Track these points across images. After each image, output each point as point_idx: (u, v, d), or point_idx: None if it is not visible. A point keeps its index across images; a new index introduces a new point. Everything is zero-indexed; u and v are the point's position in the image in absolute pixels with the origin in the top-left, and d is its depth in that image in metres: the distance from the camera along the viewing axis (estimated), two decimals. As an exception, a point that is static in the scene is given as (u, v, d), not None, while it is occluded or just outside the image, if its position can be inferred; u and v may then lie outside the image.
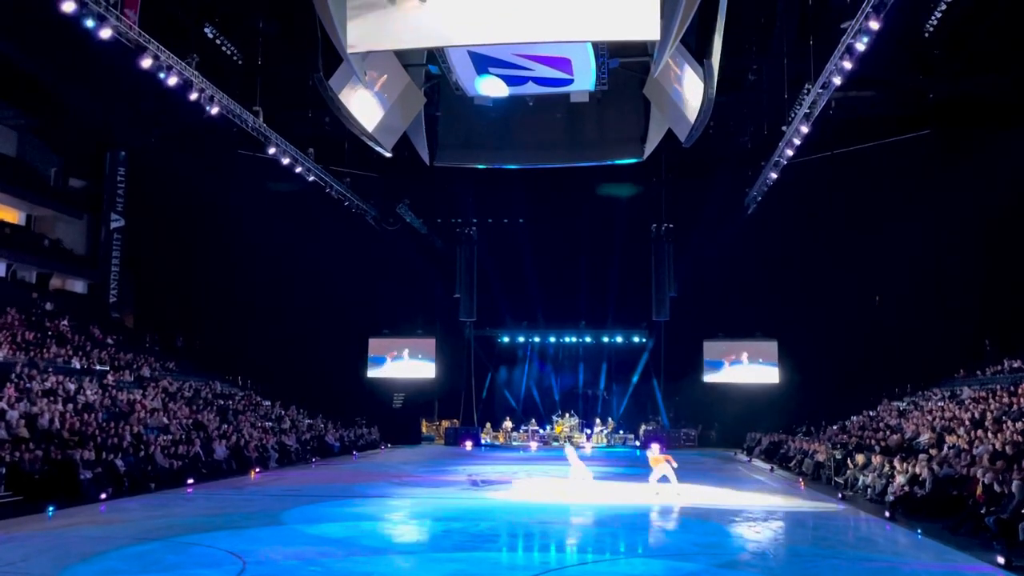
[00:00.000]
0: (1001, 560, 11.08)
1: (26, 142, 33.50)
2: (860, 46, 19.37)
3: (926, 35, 25.21)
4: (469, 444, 35.45)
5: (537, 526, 14.88)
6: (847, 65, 20.27)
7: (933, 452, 18.21)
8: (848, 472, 20.28)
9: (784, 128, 26.21)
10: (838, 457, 21.86)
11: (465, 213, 38.91)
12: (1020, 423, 17.61)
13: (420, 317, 39.38)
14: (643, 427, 36.88)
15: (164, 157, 33.58)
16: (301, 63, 25.64)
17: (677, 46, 21.35)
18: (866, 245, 33.19)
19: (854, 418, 28.51)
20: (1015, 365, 24.96)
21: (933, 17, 24.53)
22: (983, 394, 22.86)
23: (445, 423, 38.70)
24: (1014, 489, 12.92)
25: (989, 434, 17.73)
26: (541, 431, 37.22)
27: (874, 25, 18.56)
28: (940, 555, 12.16)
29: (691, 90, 23.79)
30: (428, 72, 28.01)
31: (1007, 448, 16.06)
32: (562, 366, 40.40)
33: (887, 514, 15.47)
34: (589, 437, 36.57)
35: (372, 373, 39.88)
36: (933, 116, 29.62)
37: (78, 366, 25.70)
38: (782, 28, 24.53)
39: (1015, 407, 19.82)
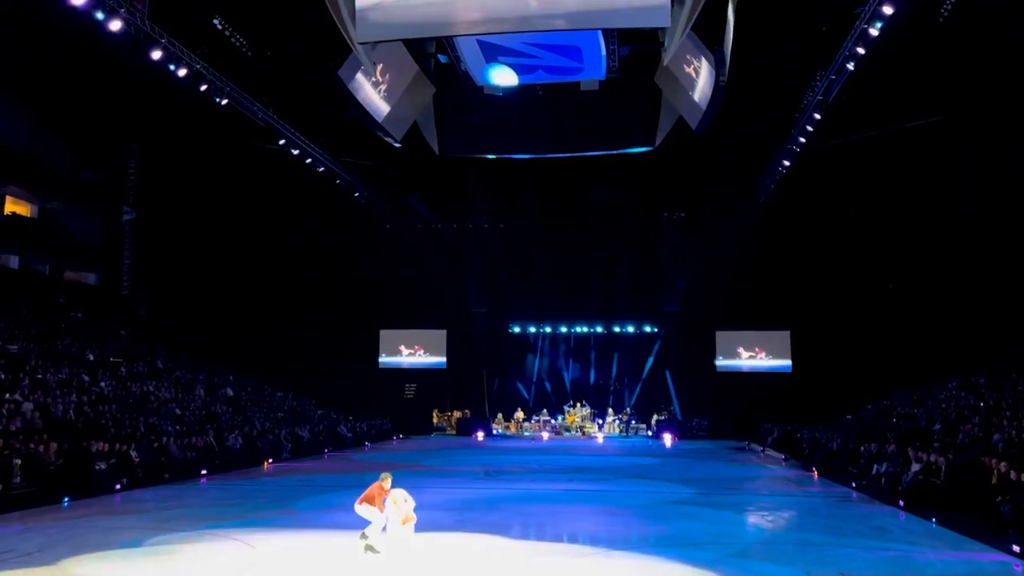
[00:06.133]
0: (1017, 548, 11.00)
1: (37, 136, 33.59)
2: (874, 32, 19.20)
3: (940, 20, 24.93)
4: (481, 435, 35.48)
5: (548, 515, 14.89)
6: (860, 51, 20.11)
7: (948, 440, 18.10)
8: (862, 461, 20.17)
9: (797, 115, 26.06)
10: (851, 446, 21.74)
11: (475, 203, 38.84)
12: (1036, 411, 17.48)
13: (431, 308, 39.35)
14: (655, 417, 36.85)
15: (175, 149, 33.66)
16: (310, 54, 25.63)
17: (688, 33, 21.21)
18: (880, 233, 32.96)
19: (868, 406, 28.37)
20: (1031, 353, 24.75)
21: (948, 1, 24.25)
22: (998, 382, 22.69)
23: (457, 414, 38.75)
24: (1030, 477, 12.82)
25: (1005, 422, 17.59)
26: (553, 421, 37.25)
27: (888, 10, 18.39)
28: (955, 544, 12.09)
29: (703, 78, 23.65)
30: (437, 62, 27.96)
31: (1023, 436, 15.93)
32: (573, 356, 40.36)
33: (901, 503, 15.38)
34: (601, 427, 36.64)
35: (384, 364, 39.99)
36: (947, 102, 29.31)
37: (92, 358, 25.85)
38: (794, 14, 24.33)
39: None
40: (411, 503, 10.56)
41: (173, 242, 35.91)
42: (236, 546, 11.47)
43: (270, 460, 23.72)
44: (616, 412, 37.94)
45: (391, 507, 10.68)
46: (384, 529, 10.89)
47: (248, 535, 12.15)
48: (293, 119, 27.84)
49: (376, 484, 11.18)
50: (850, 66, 20.93)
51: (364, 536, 11.03)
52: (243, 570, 10.08)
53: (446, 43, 25.41)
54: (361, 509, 11.07)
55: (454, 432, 37.76)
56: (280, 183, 33.49)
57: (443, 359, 39.84)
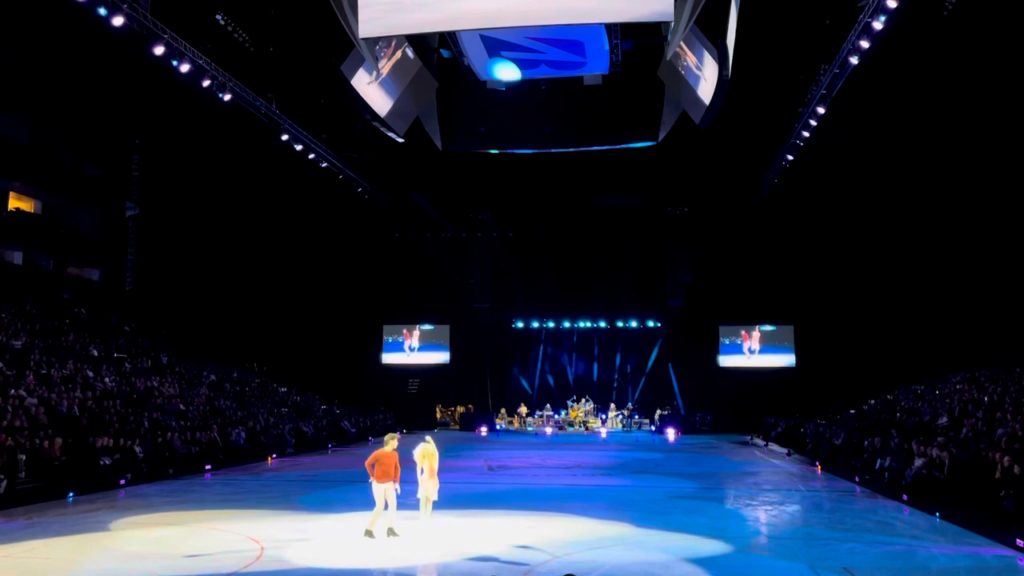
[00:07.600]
0: (1021, 543, 10.99)
1: (40, 132, 33.62)
2: (878, 25, 19.11)
3: (945, 13, 24.80)
4: (484, 430, 35.51)
5: (551, 509, 14.88)
6: (864, 44, 20.02)
7: (951, 435, 18.06)
8: (865, 455, 20.15)
9: (800, 109, 25.96)
10: (855, 440, 21.73)
11: (479, 198, 38.80)
12: (1040, 405, 17.43)
13: (434, 303, 39.36)
14: (659, 412, 36.85)
15: (178, 144, 33.67)
16: (313, 49, 25.57)
17: (691, 27, 21.14)
18: (883, 227, 32.88)
19: (872, 401, 28.34)
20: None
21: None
22: (1002, 376, 22.64)
23: (460, 408, 38.79)
24: (1034, 471, 12.80)
25: (1008, 416, 17.55)
26: (556, 416, 37.27)
27: (892, 3, 18.30)
28: (958, 538, 12.08)
29: (706, 72, 23.57)
30: (440, 57, 27.89)
31: (1027, 430, 15.89)
32: (576, 351, 40.35)
33: (905, 497, 15.37)
34: (604, 422, 36.65)
35: (387, 359, 40.00)
36: (951, 95, 29.18)
37: (96, 353, 25.89)
38: (797, 8, 24.21)
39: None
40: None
41: (176, 237, 35.95)
42: (241, 540, 11.49)
43: (274, 455, 23.77)
44: (619, 407, 37.93)
45: (420, 456, 12.19)
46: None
47: (253, 529, 12.18)
48: (296, 115, 27.82)
49: (385, 453, 11.84)
50: (853, 60, 20.83)
51: (390, 531, 11.51)
52: (248, 564, 10.10)
53: (449, 38, 25.33)
54: (378, 490, 11.63)
55: (457, 427, 37.79)
56: (283, 178, 33.49)
57: (446, 354, 39.83)
